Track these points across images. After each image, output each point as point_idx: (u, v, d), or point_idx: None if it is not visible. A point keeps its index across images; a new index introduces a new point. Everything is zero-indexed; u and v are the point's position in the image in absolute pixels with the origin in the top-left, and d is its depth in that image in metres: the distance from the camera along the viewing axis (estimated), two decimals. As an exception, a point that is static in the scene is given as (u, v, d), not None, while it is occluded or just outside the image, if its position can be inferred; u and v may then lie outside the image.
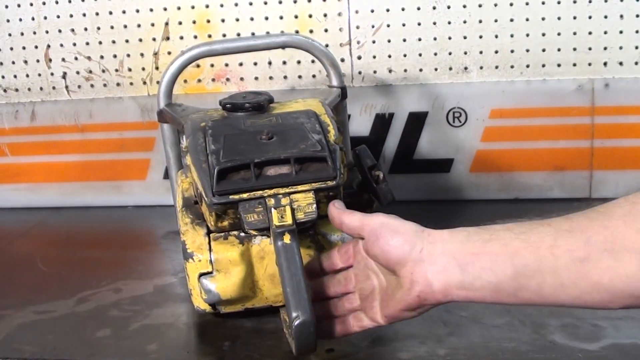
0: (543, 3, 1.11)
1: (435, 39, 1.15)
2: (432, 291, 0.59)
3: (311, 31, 1.17)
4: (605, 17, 1.10)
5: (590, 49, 1.12)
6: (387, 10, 1.15)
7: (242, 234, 0.77)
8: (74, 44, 1.24)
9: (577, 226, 0.54)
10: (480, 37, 1.14)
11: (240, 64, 1.21)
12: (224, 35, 1.19)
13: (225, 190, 0.72)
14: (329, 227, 0.78)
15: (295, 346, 0.66)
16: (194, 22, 1.20)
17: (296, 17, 1.17)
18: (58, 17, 1.22)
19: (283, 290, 0.67)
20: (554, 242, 0.54)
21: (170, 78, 0.95)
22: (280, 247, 0.69)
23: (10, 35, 1.25)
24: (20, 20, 1.23)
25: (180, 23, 1.20)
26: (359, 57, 1.18)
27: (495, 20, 1.13)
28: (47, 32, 1.23)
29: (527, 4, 1.11)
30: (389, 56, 1.17)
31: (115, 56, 1.23)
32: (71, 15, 1.22)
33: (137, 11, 1.20)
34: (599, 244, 0.52)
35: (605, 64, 1.12)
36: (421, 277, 0.59)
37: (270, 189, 0.72)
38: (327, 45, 1.16)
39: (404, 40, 1.16)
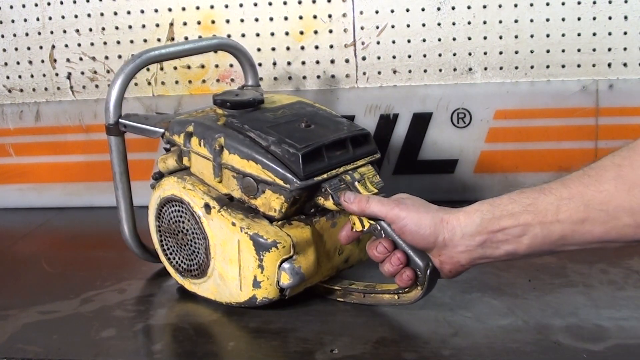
0: (547, 4, 1.11)
1: (439, 40, 1.15)
2: (461, 265, 0.72)
3: (316, 32, 1.18)
4: (610, 18, 1.10)
5: (594, 50, 1.12)
6: (392, 12, 1.15)
7: (303, 217, 0.83)
8: (79, 45, 1.24)
9: (576, 193, 0.64)
10: (485, 38, 1.14)
11: (245, 65, 1.21)
12: (229, 36, 1.19)
13: (311, 173, 0.78)
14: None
15: (425, 289, 0.75)
16: (199, 22, 1.20)
17: (301, 18, 1.18)
18: (63, 17, 1.23)
19: (400, 249, 0.74)
20: (558, 210, 0.64)
21: (118, 93, 0.91)
22: None
23: (15, 35, 1.25)
24: (25, 20, 1.24)
25: (185, 24, 1.20)
26: (364, 58, 1.18)
27: (500, 22, 1.13)
28: (51, 32, 1.24)
29: (531, 5, 1.11)
30: (394, 57, 1.17)
31: (120, 57, 1.24)
32: (76, 16, 1.22)
33: (142, 12, 1.21)
34: (596, 205, 0.63)
35: (609, 65, 1.12)
36: (448, 258, 0.72)
37: (339, 167, 0.81)
38: (331, 46, 1.16)
39: (409, 41, 1.16)
